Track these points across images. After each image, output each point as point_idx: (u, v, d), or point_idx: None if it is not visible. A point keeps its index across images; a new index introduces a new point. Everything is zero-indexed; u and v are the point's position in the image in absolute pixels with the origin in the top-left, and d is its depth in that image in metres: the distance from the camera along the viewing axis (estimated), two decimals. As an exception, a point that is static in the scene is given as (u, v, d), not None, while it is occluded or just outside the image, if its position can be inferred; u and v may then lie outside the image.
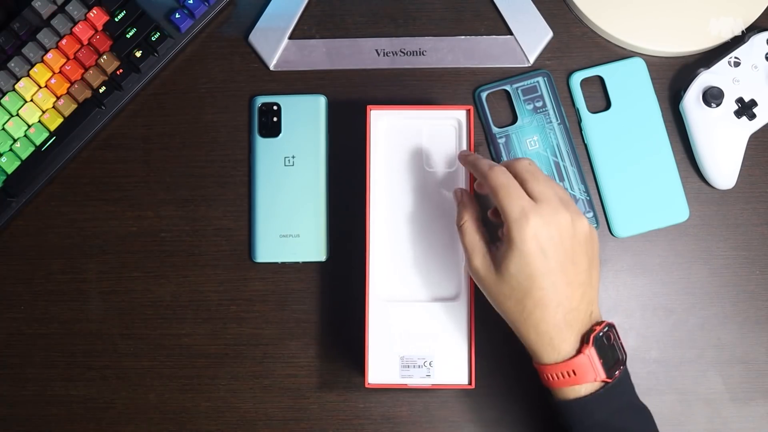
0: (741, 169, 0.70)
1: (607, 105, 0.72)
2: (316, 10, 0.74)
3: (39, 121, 0.71)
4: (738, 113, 0.69)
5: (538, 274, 0.54)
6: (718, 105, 0.69)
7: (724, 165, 0.70)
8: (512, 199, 0.55)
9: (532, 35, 0.73)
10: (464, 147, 0.69)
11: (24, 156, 0.71)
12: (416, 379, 0.66)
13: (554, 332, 0.55)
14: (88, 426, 0.70)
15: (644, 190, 0.71)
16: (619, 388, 0.57)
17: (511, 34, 0.73)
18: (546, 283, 0.55)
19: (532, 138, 0.71)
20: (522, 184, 0.57)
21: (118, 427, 0.70)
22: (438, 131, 0.69)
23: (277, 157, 0.71)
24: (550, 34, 0.73)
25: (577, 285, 0.56)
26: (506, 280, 0.56)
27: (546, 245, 0.54)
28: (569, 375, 0.55)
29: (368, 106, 0.67)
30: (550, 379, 0.56)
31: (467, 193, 0.64)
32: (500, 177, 0.56)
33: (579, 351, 0.55)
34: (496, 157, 0.71)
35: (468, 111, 0.68)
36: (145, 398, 0.70)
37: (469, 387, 0.66)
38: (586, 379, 0.55)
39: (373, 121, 0.68)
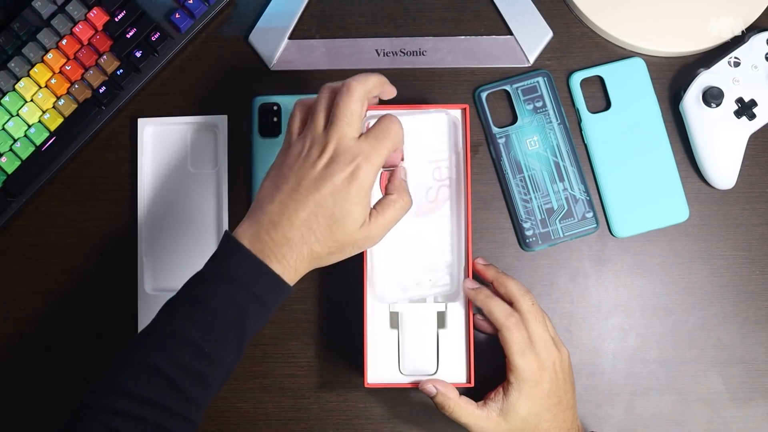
0: (741, 169, 0.70)
1: (607, 105, 0.72)
2: (316, 10, 0.74)
3: (39, 121, 0.71)
4: (738, 113, 0.69)
5: (544, 410, 0.61)
6: (718, 105, 0.69)
7: (724, 165, 0.70)
8: (523, 353, 0.61)
9: (532, 35, 0.73)
10: (461, 146, 0.68)
11: (24, 156, 0.71)
12: (416, 378, 0.66)
13: None
14: (88, 426, 0.70)
15: (644, 190, 0.71)
16: None
17: (511, 34, 0.73)
18: (549, 416, 0.61)
19: (532, 138, 0.71)
20: (523, 323, 0.62)
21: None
22: (434, 130, 0.69)
23: None
24: (550, 34, 0.73)
25: (569, 408, 0.63)
26: (512, 422, 0.61)
27: (547, 386, 0.61)
28: None
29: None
30: None
31: (439, 382, 0.64)
32: (515, 332, 0.61)
33: None
34: (496, 157, 0.71)
35: (464, 110, 0.68)
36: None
37: (469, 386, 0.66)
38: None
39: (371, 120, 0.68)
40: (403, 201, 0.58)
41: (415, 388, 0.65)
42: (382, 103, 0.64)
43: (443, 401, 0.62)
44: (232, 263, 0.54)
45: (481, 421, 0.62)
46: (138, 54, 0.72)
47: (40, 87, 0.71)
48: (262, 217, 0.55)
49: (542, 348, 0.62)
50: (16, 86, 0.71)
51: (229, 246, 0.55)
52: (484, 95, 0.72)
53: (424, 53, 0.73)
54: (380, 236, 0.57)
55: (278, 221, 0.54)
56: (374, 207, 0.57)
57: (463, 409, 0.62)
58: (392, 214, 0.57)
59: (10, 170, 0.71)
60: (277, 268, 0.54)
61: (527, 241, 0.70)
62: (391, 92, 0.61)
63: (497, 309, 0.62)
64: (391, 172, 0.61)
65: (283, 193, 0.55)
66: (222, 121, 0.72)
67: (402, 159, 0.62)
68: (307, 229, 0.54)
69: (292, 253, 0.54)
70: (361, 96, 0.56)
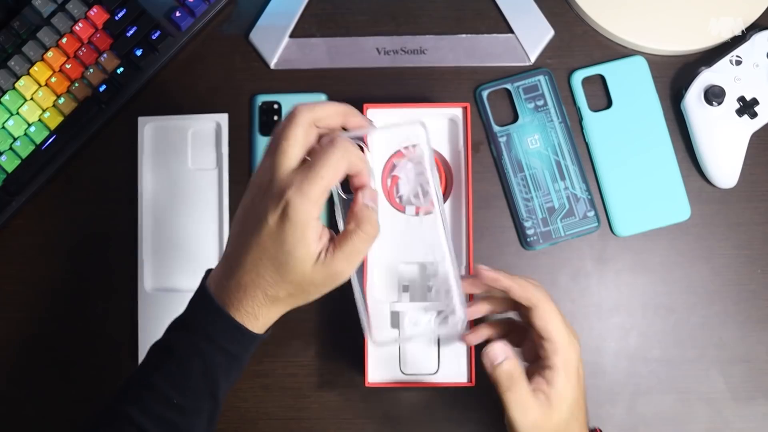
0: (742, 168, 0.70)
1: (609, 103, 0.72)
2: (317, 9, 0.74)
3: (39, 120, 0.71)
4: (739, 112, 0.69)
5: (581, 397, 0.56)
6: (719, 104, 0.69)
7: (725, 164, 0.70)
8: (565, 327, 0.56)
9: (533, 34, 0.73)
10: (461, 144, 0.68)
11: (24, 155, 0.71)
12: (416, 378, 0.66)
13: None
14: (88, 425, 0.70)
15: (645, 188, 0.71)
16: None
17: (512, 32, 0.73)
18: (584, 403, 0.57)
19: (533, 136, 0.71)
20: None
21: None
22: (436, 129, 0.69)
23: None
24: (551, 33, 0.73)
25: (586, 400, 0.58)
26: (561, 413, 0.55)
27: (582, 370, 0.57)
28: None
29: (365, 105, 0.67)
30: None
31: (509, 349, 0.56)
32: (554, 304, 0.56)
33: None
34: (497, 156, 0.71)
35: (465, 108, 0.68)
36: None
37: (470, 385, 0.65)
38: None
39: (370, 119, 0.68)
40: (363, 232, 0.50)
41: (416, 388, 0.64)
42: (385, 102, 0.64)
43: (512, 371, 0.54)
44: (198, 312, 0.53)
45: (532, 411, 0.54)
46: (138, 52, 0.72)
47: (41, 85, 0.71)
48: (224, 259, 0.52)
49: (569, 325, 0.57)
50: (16, 85, 0.71)
51: (199, 292, 0.53)
52: (485, 94, 0.72)
53: (425, 52, 0.73)
54: (348, 271, 0.51)
55: (233, 266, 0.51)
56: (333, 240, 0.51)
57: (522, 393, 0.54)
58: (352, 247, 0.50)
59: (10, 169, 0.71)
60: (237, 315, 0.51)
61: (528, 240, 0.70)
62: (360, 125, 0.53)
63: (526, 283, 0.56)
64: (352, 199, 0.53)
65: (234, 235, 0.52)
66: (222, 119, 0.72)
67: (365, 184, 0.53)
68: (257, 274, 0.50)
69: (248, 299, 0.51)
70: (304, 122, 0.50)
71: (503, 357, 0.55)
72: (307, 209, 0.48)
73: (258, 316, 0.51)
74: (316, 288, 0.51)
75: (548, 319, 0.55)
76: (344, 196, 0.53)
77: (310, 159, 0.49)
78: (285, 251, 0.49)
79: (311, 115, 0.50)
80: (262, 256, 0.50)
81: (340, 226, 0.53)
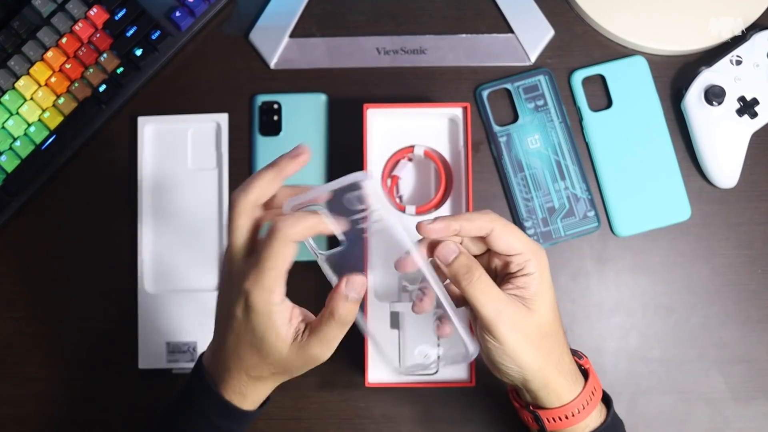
0: (743, 168, 0.70)
1: (609, 103, 0.72)
2: (317, 9, 0.74)
3: (39, 120, 0.71)
4: (740, 112, 0.69)
5: (557, 311, 0.53)
6: (719, 103, 0.69)
7: (725, 164, 0.70)
8: (525, 237, 0.52)
9: (533, 34, 0.73)
10: (461, 144, 0.68)
11: (24, 155, 0.71)
12: (417, 378, 0.66)
13: (571, 367, 0.54)
14: (89, 426, 0.70)
15: (646, 188, 0.70)
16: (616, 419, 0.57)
17: (512, 32, 0.73)
18: (559, 316, 0.53)
19: (534, 136, 0.71)
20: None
21: (118, 426, 0.70)
22: (436, 129, 0.69)
23: (278, 156, 0.71)
24: (551, 33, 0.73)
25: None
26: (543, 313, 0.51)
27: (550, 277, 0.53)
28: (585, 404, 0.53)
29: (365, 105, 0.67)
30: (565, 418, 0.53)
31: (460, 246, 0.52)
32: (503, 219, 0.51)
33: (585, 378, 0.54)
34: (497, 156, 0.71)
35: (465, 108, 0.68)
36: (146, 397, 0.70)
37: (470, 385, 0.65)
38: (594, 405, 0.54)
39: (370, 119, 0.68)
40: (337, 322, 0.49)
41: (416, 388, 0.64)
42: (385, 101, 0.64)
43: (469, 263, 0.50)
44: (193, 387, 0.54)
45: (507, 308, 0.50)
46: (138, 52, 0.72)
47: (40, 85, 0.71)
48: (213, 339, 0.54)
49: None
50: (16, 84, 0.71)
51: (195, 366, 0.54)
52: (485, 94, 0.72)
53: (425, 51, 0.73)
54: (325, 355, 0.50)
55: (218, 348, 0.52)
56: (309, 324, 0.50)
57: (488, 284, 0.50)
58: (327, 334, 0.49)
59: (9, 169, 0.71)
60: (226, 393, 0.52)
61: (528, 240, 0.70)
62: (293, 168, 0.51)
63: (473, 215, 0.51)
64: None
65: (217, 318, 0.53)
66: (222, 119, 0.72)
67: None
68: (238, 358, 0.51)
69: (232, 379, 0.52)
70: (244, 209, 0.50)
71: (455, 252, 0.51)
72: (266, 298, 0.48)
73: (246, 394, 0.52)
74: (297, 368, 0.51)
75: (509, 234, 0.51)
76: (323, 254, 0.51)
77: (260, 246, 0.49)
78: (258, 338, 0.49)
79: (247, 198, 0.50)
80: (239, 341, 0.50)
81: (331, 281, 0.51)
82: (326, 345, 0.50)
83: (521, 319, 0.50)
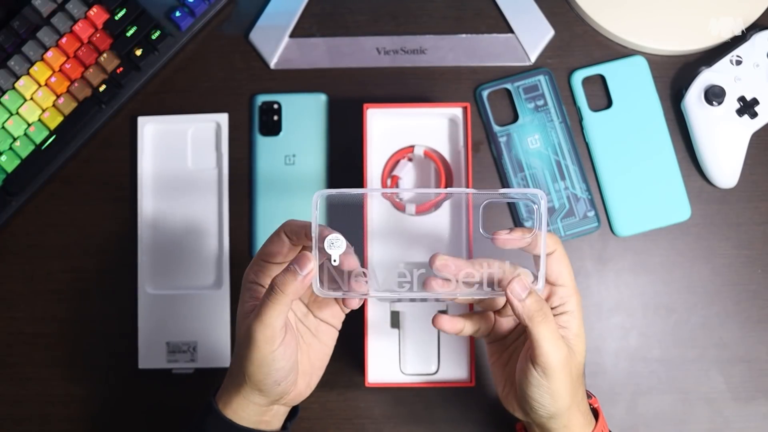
0: (743, 168, 0.70)
1: (609, 103, 0.72)
2: (317, 9, 0.74)
3: (39, 120, 0.71)
4: (740, 112, 0.69)
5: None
6: (719, 103, 0.69)
7: (725, 164, 0.70)
8: (572, 271, 0.54)
9: (533, 33, 0.73)
10: (461, 144, 0.68)
11: (24, 155, 0.71)
12: (416, 378, 0.66)
13: (587, 406, 0.55)
14: (89, 426, 0.70)
15: (646, 188, 0.70)
16: None
17: (513, 32, 0.73)
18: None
19: (534, 136, 0.71)
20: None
21: (119, 426, 0.70)
22: (436, 129, 0.69)
23: (278, 156, 0.71)
24: (551, 33, 0.73)
25: None
26: (578, 352, 0.53)
27: None
28: None
29: (365, 105, 0.67)
30: None
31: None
32: (562, 244, 0.54)
33: (596, 416, 0.56)
34: (497, 156, 0.71)
35: (465, 108, 0.68)
36: (146, 397, 0.70)
37: (470, 385, 0.65)
38: None
39: (370, 119, 0.68)
40: (271, 290, 0.50)
41: (416, 388, 0.64)
42: (385, 101, 0.64)
43: (541, 303, 0.50)
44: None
45: (563, 347, 0.51)
46: (138, 52, 0.71)
47: (40, 85, 0.71)
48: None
49: None
50: (16, 84, 0.71)
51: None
52: (485, 94, 0.72)
53: (425, 51, 0.73)
54: (260, 325, 0.50)
55: (230, 371, 0.55)
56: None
57: (554, 326, 0.51)
58: (263, 300, 0.51)
59: (9, 169, 0.71)
60: (223, 409, 0.54)
61: (528, 240, 0.70)
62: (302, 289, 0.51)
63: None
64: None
65: (234, 352, 0.55)
66: (222, 119, 0.72)
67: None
68: (229, 372, 0.55)
69: (227, 394, 0.55)
70: (246, 283, 0.54)
71: (527, 291, 0.50)
72: (270, 332, 0.50)
73: (236, 409, 0.54)
74: (244, 348, 0.51)
75: (565, 264, 0.53)
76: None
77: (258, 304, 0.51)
78: (263, 373, 0.52)
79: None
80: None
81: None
82: (260, 316, 0.50)
83: (569, 361, 0.51)
